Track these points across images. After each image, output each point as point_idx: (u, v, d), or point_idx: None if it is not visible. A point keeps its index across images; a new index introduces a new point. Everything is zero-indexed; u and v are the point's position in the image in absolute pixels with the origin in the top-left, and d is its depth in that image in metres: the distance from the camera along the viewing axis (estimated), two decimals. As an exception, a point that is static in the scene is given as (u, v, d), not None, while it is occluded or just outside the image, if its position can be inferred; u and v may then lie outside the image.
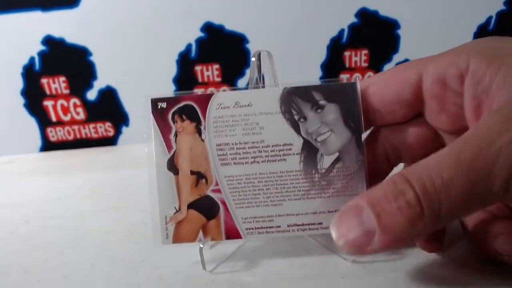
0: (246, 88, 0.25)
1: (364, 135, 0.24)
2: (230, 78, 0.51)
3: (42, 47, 0.49)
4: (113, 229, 0.31)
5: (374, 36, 0.49)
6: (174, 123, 0.24)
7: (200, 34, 0.49)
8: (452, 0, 0.47)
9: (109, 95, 0.51)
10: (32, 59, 0.50)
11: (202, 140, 0.24)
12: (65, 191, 0.41)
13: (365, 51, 0.50)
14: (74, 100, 0.52)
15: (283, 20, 0.48)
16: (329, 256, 0.25)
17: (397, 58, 0.50)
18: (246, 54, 0.50)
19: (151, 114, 0.24)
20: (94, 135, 0.54)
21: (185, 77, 0.51)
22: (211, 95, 0.24)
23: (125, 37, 0.49)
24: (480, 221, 0.23)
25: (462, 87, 0.21)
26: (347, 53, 0.50)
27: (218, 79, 0.51)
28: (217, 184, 0.24)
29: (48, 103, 0.52)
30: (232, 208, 0.24)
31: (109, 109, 0.52)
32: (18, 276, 0.26)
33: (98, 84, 0.51)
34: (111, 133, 0.54)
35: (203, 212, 0.24)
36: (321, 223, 0.24)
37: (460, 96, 0.21)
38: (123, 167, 0.46)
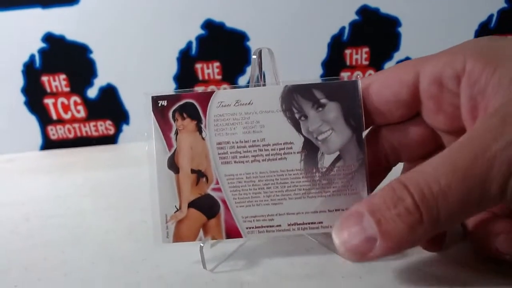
0: (247, 86, 0.25)
1: (363, 134, 0.24)
2: (230, 76, 0.51)
3: (42, 44, 0.49)
4: (113, 228, 0.31)
5: (375, 33, 0.49)
6: (174, 121, 0.24)
7: (201, 31, 0.49)
8: (453, -3, 0.47)
9: (109, 93, 0.51)
10: (32, 57, 0.50)
11: (203, 139, 0.24)
12: (66, 189, 0.41)
13: (366, 49, 0.49)
14: (75, 98, 0.52)
15: (284, 17, 0.48)
16: (329, 255, 0.25)
17: (398, 56, 0.50)
18: (247, 51, 0.49)
19: (152, 112, 0.24)
20: (95, 133, 0.54)
21: (185, 74, 0.51)
22: (211, 93, 0.24)
23: (125, 35, 0.49)
24: (481, 220, 0.23)
25: (458, 88, 0.21)
26: (348, 51, 0.50)
27: (218, 77, 0.51)
28: (217, 183, 0.24)
29: (49, 101, 0.52)
30: (233, 207, 0.24)
31: (110, 107, 0.52)
32: (19, 274, 0.26)
33: (99, 82, 0.51)
34: (111, 131, 0.54)
35: (204, 211, 0.24)
36: (321, 222, 0.24)
37: (456, 96, 0.21)
38: (124, 165, 0.46)
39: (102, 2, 0.48)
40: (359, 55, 0.50)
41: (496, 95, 0.19)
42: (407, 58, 0.49)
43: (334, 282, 0.23)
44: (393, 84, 0.23)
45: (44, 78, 0.51)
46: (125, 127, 0.53)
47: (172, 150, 0.24)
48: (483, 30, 0.48)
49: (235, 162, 0.24)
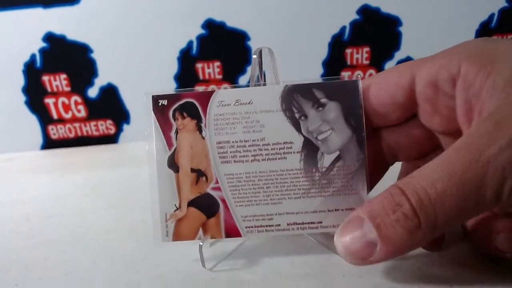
0: (247, 85, 0.25)
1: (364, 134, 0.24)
2: (231, 76, 0.51)
3: (43, 44, 0.49)
4: (113, 227, 0.31)
5: (375, 33, 0.49)
6: (175, 121, 0.24)
7: (201, 31, 0.49)
8: (454, -3, 0.47)
9: (110, 92, 0.51)
10: (33, 56, 0.50)
11: (203, 138, 0.24)
12: (66, 189, 0.41)
13: (366, 49, 0.49)
14: (75, 98, 0.52)
15: (285, 17, 0.48)
16: (329, 255, 0.25)
17: (398, 55, 0.50)
18: (247, 51, 0.49)
19: (152, 112, 0.24)
20: (95, 133, 0.54)
21: (186, 74, 0.51)
22: (212, 92, 0.24)
23: (126, 34, 0.49)
24: (481, 219, 0.23)
25: (454, 90, 0.21)
26: (348, 50, 0.50)
27: (219, 77, 0.51)
28: (217, 182, 0.24)
29: (49, 101, 0.52)
30: (232, 206, 0.24)
31: (110, 107, 0.52)
32: (19, 273, 0.26)
33: (99, 82, 0.51)
34: (112, 130, 0.54)
35: (203, 210, 0.24)
36: (321, 222, 0.24)
37: (452, 99, 0.22)
38: (124, 165, 0.46)
39: (102, 1, 0.48)
40: (359, 54, 0.50)
41: (491, 98, 0.19)
42: (408, 58, 0.49)
43: (335, 281, 0.23)
44: (390, 86, 0.23)
45: (45, 78, 0.51)
46: (125, 127, 0.53)
47: (172, 149, 0.24)
48: (484, 29, 0.48)
49: (234, 161, 0.24)
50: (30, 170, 0.47)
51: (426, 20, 0.48)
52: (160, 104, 0.24)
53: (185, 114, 0.24)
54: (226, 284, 0.24)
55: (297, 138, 0.24)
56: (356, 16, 0.48)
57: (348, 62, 0.50)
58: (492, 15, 0.47)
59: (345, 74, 0.50)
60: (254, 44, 0.49)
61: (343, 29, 0.49)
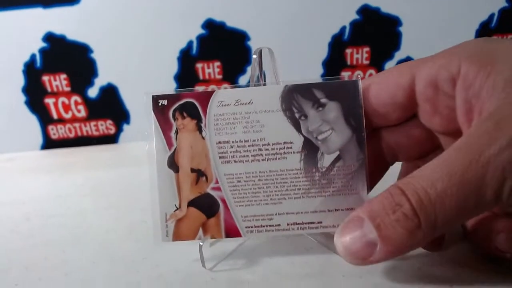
0: (247, 85, 0.25)
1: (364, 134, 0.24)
2: (231, 76, 0.51)
3: (43, 44, 0.49)
4: (113, 227, 0.31)
5: (375, 33, 0.49)
6: (175, 121, 0.24)
7: (201, 31, 0.49)
8: (454, -3, 0.47)
9: (110, 92, 0.51)
10: (33, 56, 0.50)
11: (203, 138, 0.24)
12: (66, 189, 0.41)
13: (366, 49, 0.49)
14: (75, 98, 0.52)
15: (285, 17, 0.48)
16: (329, 255, 0.25)
17: (398, 55, 0.50)
18: (247, 51, 0.49)
19: (152, 112, 0.24)
20: (95, 133, 0.54)
21: (186, 74, 0.51)
22: (212, 92, 0.24)
23: (126, 34, 0.49)
24: (481, 219, 0.23)
25: (454, 90, 0.21)
26: (348, 51, 0.50)
27: (219, 77, 0.51)
28: (217, 182, 0.24)
29: (49, 101, 0.52)
30: (232, 206, 0.24)
31: (110, 107, 0.52)
32: (19, 273, 0.26)
33: (99, 82, 0.51)
34: (112, 130, 0.54)
35: (203, 210, 0.24)
36: (321, 222, 0.24)
37: (452, 99, 0.21)
38: (124, 165, 0.46)
39: (102, 1, 0.48)
40: (359, 54, 0.50)
41: (491, 98, 0.19)
42: (408, 58, 0.49)
43: (335, 281, 0.23)
44: (390, 86, 0.23)
45: (45, 78, 0.51)
46: (125, 127, 0.53)
47: (172, 149, 0.24)
48: (484, 29, 0.48)
49: (234, 161, 0.24)
50: (30, 170, 0.47)
51: (426, 20, 0.48)
52: (160, 104, 0.24)
53: (185, 114, 0.24)
54: (226, 284, 0.24)
55: (297, 138, 0.24)
56: (356, 16, 0.48)
57: (348, 62, 0.50)
58: (492, 15, 0.47)
59: (345, 74, 0.50)
60: (254, 44, 0.49)
61: (343, 29, 0.49)
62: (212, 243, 0.28)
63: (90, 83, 0.51)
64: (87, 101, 0.52)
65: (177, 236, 0.24)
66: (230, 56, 0.50)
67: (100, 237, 0.30)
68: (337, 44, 0.49)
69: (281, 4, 0.48)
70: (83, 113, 0.53)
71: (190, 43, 0.49)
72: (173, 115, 0.24)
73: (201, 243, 0.24)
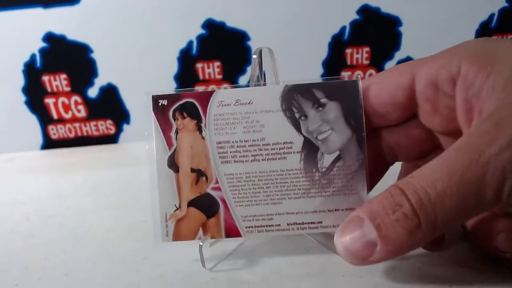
0: (247, 85, 0.25)
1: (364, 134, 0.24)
2: (231, 76, 0.51)
3: (43, 44, 0.49)
4: (113, 227, 0.31)
5: (375, 33, 0.49)
6: (174, 121, 0.24)
7: (201, 31, 0.49)
8: (454, -3, 0.47)
9: (110, 92, 0.51)
10: (33, 56, 0.50)
11: (203, 138, 0.24)
12: (66, 189, 0.41)
13: (366, 49, 0.49)
14: (75, 98, 0.52)
15: (285, 17, 0.48)
16: (329, 255, 0.25)
17: (398, 55, 0.50)
18: (247, 51, 0.49)
19: (152, 112, 0.24)
20: (95, 133, 0.54)
21: (186, 74, 0.51)
22: (212, 92, 0.24)
23: (126, 34, 0.49)
24: (481, 219, 0.23)
25: (454, 90, 0.21)
26: (348, 51, 0.50)
27: (219, 77, 0.51)
28: (217, 182, 0.24)
29: (49, 101, 0.52)
30: (232, 206, 0.24)
31: (110, 107, 0.52)
32: (19, 273, 0.26)
33: (99, 82, 0.51)
34: (112, 130, 0.54)
35: (203, 210, 0.24)
36: (321, 222, 0.24)
37: (452, 99, 0.22)
38: (124, 165, 0.46)
39: (102, 1, 0.48)
40: (359, 54, 0.50)
41: (491, 98, 0.19)
42: (408, 58, 0.49)
43: (335, 281, 0.23)
44: (390, 86, 0.23)
45: (45, 78, 0.51)
46: (125, 127, 0.53)
47: (172, 149, 0.24)
48: (484, 29, 0.48)
49: (234, 161, 0.24)
50: (30, 170, 0.47)
51: (426, 20, 0.48)
52: (160, 104, 0.24)
53: (185, 114, 0.24)
54: (226, 284, 0.24)
55: (297, 138, 0.24)
56: (356, 16, 0.48)
57: (348, 62, 0.50)
58: (492, 15, 0.47)
59: (345, 74, 0.50)
60: (254, 44, 0.49)
61: (343, 29, 0.49)
62: (212, 243, 0.28)
63: (90, 83, 0.51)
64: (87, 101, 0.52)
65: (177, 236, 0.24)
66: (230, 56, 0.50)
67: (100, 237, 0.30)
68: (337, 44, 0.49)
69: (281, 4, 0.48)
70: (83, 113, 0.53)
71: (190, 43, 0.49)
72: (173, 115, 0.24)
73: (201, 243, 0.24)
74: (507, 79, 0.19)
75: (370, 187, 0.24)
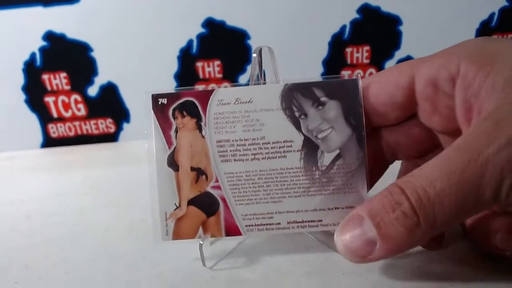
0: (247, 84, 0.25)
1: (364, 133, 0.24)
2: (231, 74, 0.51)
3: (43, 43, 0.49)
4: (113, 226, 0.31)
5: (376, 32, 0.49)
6: (174, 119, 0.24)
7: (201, 30, 0.49)
8: (454, -4, 0.47)
9: (110, 91, 0.52)
10: (33, 55, 0.50)
11: (203, 137, 0.24)
12: (66, 187, 0.41)
13: (366, 48, 0.49)
14: (75, 96, 0.52)
15: (285, 16, 0.48)
16: (329, 253, 0.25)
17: (399, 54, 0.50)
18: (247, 50, 0.49)
19: (152, 110, 0.24)
20: (95, 132, 0.54)
21: (186, 73, 0.51)
22: (211, 91, 0.24)
23: (126, 33, 0.49)
24: (480, 217, 0.23)
25: (453, 90, 0.21)
26: (348, 49, 0.50)
27: (219, 75, 0.51)
28: (217, 181, 0.24)
29: (49, 99, 0.52)
30: (232, 205, 0.24)
31: (110, 105, 0.52)
32: (19, 272, 0.26)
33: (99, 80, 0.51)
34: (112, 129, 0.54)
35: (203, 209, 0.24)
36: (321, 220, 0.24)
37: (452, 98, 0.22)
38: (124, 163, 0.46)
39: (102, 0, 0.48)
40: (360, 53, 0.50)
41: (490, 98, 0.19)
42: (408, 57, 0.49)
43: (334, 279, 0.23)
44: (390, 85, 0.23)
45: (45, 76, 0.51)
46: (125, 125, 0.54)
47: (172, 148, 0.24)
48: (484, 28, 0.48)
49: (234, 160, 0.24)
50: (30, 169, 0.47)
51: (426, 19, 0.48)
52: (160, 103, 0.24)
53: (185, 113, 0.24)
54: (226, 282, 0.24)
55: (297, 136, 0.24)
56: (356, 15, 0.48)
57: (348, 61, 0.50)
58: (492, 14, 0.47)
59: (345, 73, 0.50)
60: (254, 43, 0.49)
61: (343, 28, 0.49)
62: (212, 242, 0.28)
63: (90, 82, 0.51)
64: (87, 99, 0.52)
65: (177, 235, 0.24)
66: (230, 55, 0.50)
67: (100, 236, 0.30)
68: (337, 43, 0.49)
69: (281, 3, 0.48)
70: (83, 111, 0.53)
71: (190, 42, 0.49)
72: (173, 114, 0.24)
73: (201, 242, 0.25)
74: (506, 79, 0.19)
75: (370, 185, 0.24)
